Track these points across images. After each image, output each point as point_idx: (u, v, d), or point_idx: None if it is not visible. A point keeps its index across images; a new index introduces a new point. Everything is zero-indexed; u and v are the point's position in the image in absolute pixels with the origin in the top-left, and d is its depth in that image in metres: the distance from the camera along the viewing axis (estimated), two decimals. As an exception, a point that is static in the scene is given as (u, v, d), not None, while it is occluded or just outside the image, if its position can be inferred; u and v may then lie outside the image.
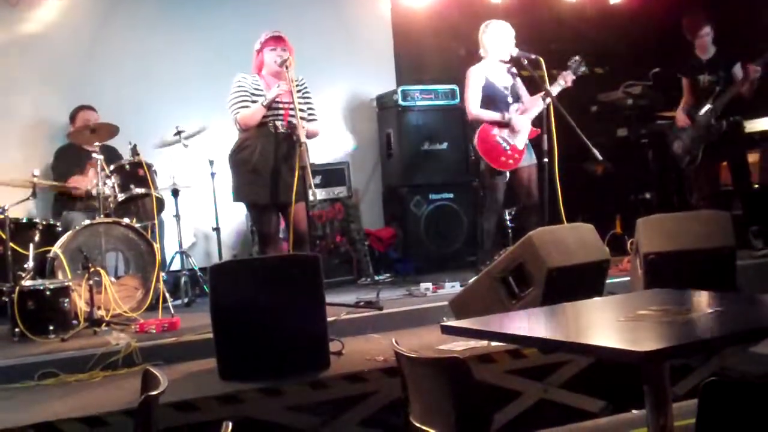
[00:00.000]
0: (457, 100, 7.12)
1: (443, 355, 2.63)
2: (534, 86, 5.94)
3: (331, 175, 6.89)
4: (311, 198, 5.01)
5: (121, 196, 5.51)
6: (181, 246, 6.04)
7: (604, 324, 2.70)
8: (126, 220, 5.39)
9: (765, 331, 2.44)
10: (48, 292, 4.78)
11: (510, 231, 6.57)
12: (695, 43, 6.36)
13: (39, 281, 4.97)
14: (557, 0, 7.55)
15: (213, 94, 5.85)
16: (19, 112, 6.38)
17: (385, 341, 4.42)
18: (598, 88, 7.78)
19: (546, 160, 5.62)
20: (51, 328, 4.75)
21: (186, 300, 5.88)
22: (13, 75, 6.34)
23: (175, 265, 6.17)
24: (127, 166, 5.58)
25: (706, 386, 1.83)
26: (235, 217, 6.67)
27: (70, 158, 6.07)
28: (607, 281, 4.68)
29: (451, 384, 2.22)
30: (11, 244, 5.13)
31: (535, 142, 5.90)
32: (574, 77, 5.84)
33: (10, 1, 6.33)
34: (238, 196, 5.31)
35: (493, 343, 3.93)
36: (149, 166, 5.62)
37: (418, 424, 2.43)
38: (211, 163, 6.14)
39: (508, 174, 5.89)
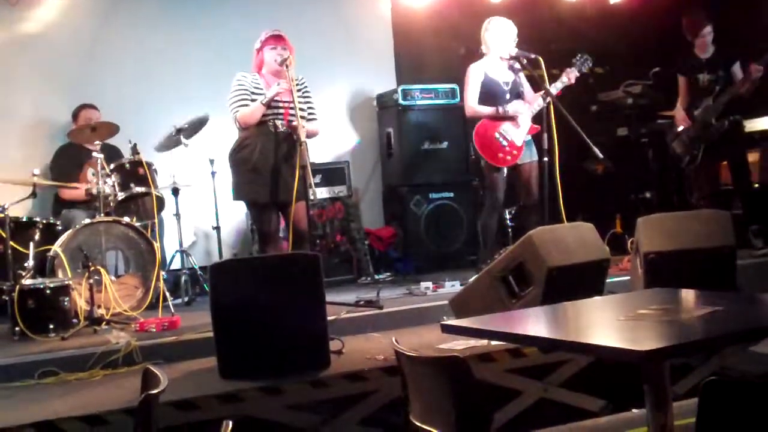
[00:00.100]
0: (458, 100, 7.11)
1: (443, 354, 2.64)
2: (534, 86, 5.95)
3: (332, 174, 6.90)
4: (311, 197, 5.01)
5: (121, 195, 5.51)
6: (181, 245, 6.04)
7: (604, 323, 2.71)
8: (126, 219, 5.39)
9: (765, 331, 2.43)
10: (48, 291, 4.79)
11: (510, 230, 6.57)
12: (695, 43, 6.36)
13: (39, 280, 4.97)
14: (557, -1, 7.56)
15: (213, 92, 5.85)
16: (19, 111, 6.37)
17: (385, 340, 4.43)
18: (599, 87, 7.79)
19: (546, 158, 5.62)
20: (51, 326, 4.75)
21: (186, 299, 5.89)
22: (13, 74, 6.34)
23: (176, 264, 6.17)
24: (128, 165, 5.58)
25: (707, 385, 1.83)
26: (236, 215, 6.67)
27: (69, 158, 6.07)
28: (607, 280, 4.68)
29: (451, 383, 2.22)
30: (11, 242, 5.13)
31: (535, 141, 5.90)
32: (577, 74, 5.83)
33: (9, 0, 6.32)
34: (238, 194, 5.32)
35: (493, 342, 3.93)
36: (149, 165, 5.62)
37: (418, 423, 2.43)
38: (212, 161, 6.14)
39: (505, 170, 5.87)
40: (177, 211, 6.00)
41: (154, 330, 4.73)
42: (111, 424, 3.36)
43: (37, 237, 5.37)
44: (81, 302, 4.93)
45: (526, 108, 5.84)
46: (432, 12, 7.33)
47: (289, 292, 3.93)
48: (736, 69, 6.25)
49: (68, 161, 6.06)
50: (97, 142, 5.40)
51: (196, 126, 5.98)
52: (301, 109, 5.03)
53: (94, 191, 5.44)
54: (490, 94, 5.90)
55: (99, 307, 4.99)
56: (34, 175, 5.29)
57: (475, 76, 5.92)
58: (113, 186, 5.47)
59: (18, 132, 6.36)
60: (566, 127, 5.61)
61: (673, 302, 2.74)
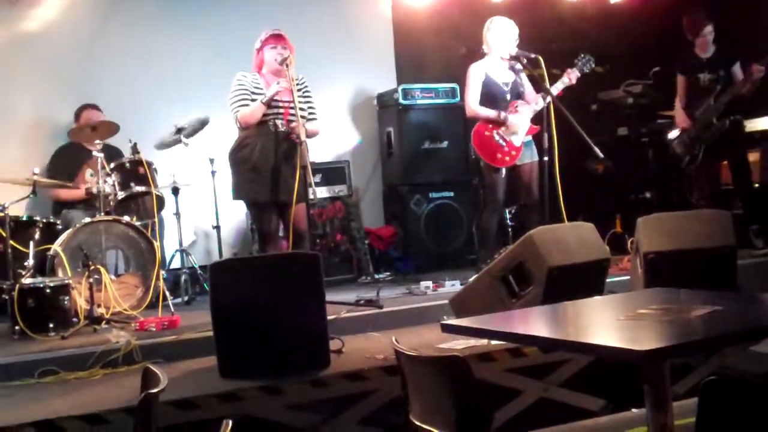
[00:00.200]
0: (458, 99, 7.11)
1: (443, 354, 2.64)
2: (535, 86, 5.94)
3: (332, 173, 6.90)
4: (311, 197, 5.01)
5: (121, 194, 5.51)
6: (181, 244, 6.04)
7: (605, 323, 2.71)
8: (126, 218, 5.38)
9: (765, 331, 2.44)
10: (48, 290, 4.78)
11: (510, 230, 6.57)
12: (696, 42, 6.36)
13: (39, 279, 4.97)
14: (558, -1, 7.55)
15: (213, 92, 5.85)
16: (19, 110, 6.37)
17: (385, 340, 4.43)
18: (599, 86, 7.78)
19: (546, 158, 5.62)
20: (51, 325, 4.75)
21: (186, 298, 5.88)
22: (13, 73, 6.33)
23: (176, 263, 6.17)
24: (128, 164, 5.58)
25: (706, 385, 1.83)
26: (236, 215, 6.67)
27: (67, 158, 6.07)
28: (608, 280, 4.68)
29: (451, 382, 2.22)
30: (11, 242, 5.13)
31: (535, 140, 5.89)
32: (579, 74, 5.82)
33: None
34: (238, 194, 5.32)
35: (494, 342, 3.93)
36: (149, 164, 5.62)
37: (418, 423, 2.43)
38: (212, 161, 6.14)
39: (504, 171, 5.86)
40: (177, 211, 6.00)
41: (154, 329, 4.73)
42: (111, 423, 3.36)
43: (37, 236, 5.37)
44: (81, 301, 4.93)
45: (526, 112, 5.83)
46: (433, 11, 7.33)
47: (289, 291, 3.93)
48: (737, 69, 6.25)
49: (66, 162, 6.05)
50: (98, 141, 5.40)
51: (197, 126, 5.98)
52: (301, 109, 5.03)
53: (95, 190, 5.44)
54: (490, 94, 5.89)
55: (99, 306, 4.99)
56: (34, 174, 5.29)
57: (475, 76, 5.92)
58: (113, 185, 5.47)
59: (18, 131, 6.35)
60: (567, 126, 5.60)
61: (673, 302, 2.74)
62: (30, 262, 5.19)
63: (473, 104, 5.91)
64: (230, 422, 1.99)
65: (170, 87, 6.71)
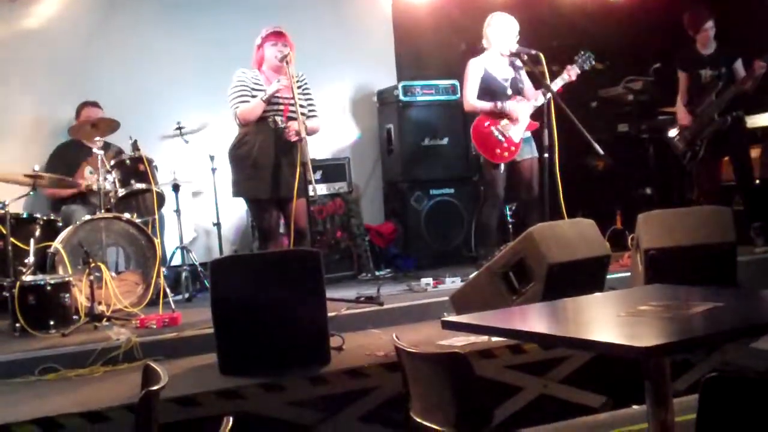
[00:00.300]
0: (458, 96, 7.10)
1: (444, 351, 2.64)
2: (535, 82, 5.94)
3: (332, 170, 6.90)
4: (312, 194, 5.01)
5: (121, 191, 5.51)
6: (181, 241, 6.05)
7: (605, 319, 2.70)
8: (126, 215, 5.38)
9: (765, 327, 2.44)
10: (48, 287, 4.79)
11: (510, 226, 6.57)
12: (697, 38, 6.34)
13: (39, 276, 4.97)
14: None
15: (213, 89, 5.85)
16: (19, 107, 6.37)
17: (385, 336, 4.43)
18: (599, 83, 7.77)
19: (547, 155, 5.61)
20: (51, 323, 4.75)
21: (186, 295, 5.89)
22: (13, 71, 6.33)
23: (176, 261, 6.18)
24: (128, 161, 5.58)
25: (707, 382, 1.83)
26: (236, 212, 6.67)
27: (66, 156, 6.06)
28: (608, 277, 4.67)
29: (451, 379, 2.22)
30: (12, 239, 5.13)
31: (535, 137, 5.89)
32: (578, 71, 5.82)
33: (10, -3, 6.33)
34: (238, 191, 5.31)
35: (494, 339, 3.93)
36: (150, 161, 5.61)
37: (418, 419, 2.43)
38: (212, 158, 6.14)
39: (504, 166, 5.86)
40: (177, 208, 6.00)
41: (155, 326, 4.74)
42: (111, 420, 3.36)
43: (37, 233, 5.38)
44: (81, 299, 4.94)
45: (525, 104, 5.83)
46: (432, 8, 7.32)
47: (289, 288, 3.94)
48: (738, 66, 6.24)
49: (64, 160, 6.04)
50: (98, 138, 5.40)
51: (196, 128, 6.02)
52: (301, 106, 5.03)
53: (95, 188, 5.44)
54: (489, 89, 5.89)
55: (99, 303, 4.99)
56: (34, 170, 5.29)
57: (474, 70, 5.91)
58: (114, 182, 5.47)
59: (18, 128, 6.35)
60: (567, 123, 5.60)
61: (673, 298, 2.74)
62: (30, 259, 5.20)
63: (471, 98, 5.90)
64: (231, 419, 1.99)
65: (170, 83, 6.70)
